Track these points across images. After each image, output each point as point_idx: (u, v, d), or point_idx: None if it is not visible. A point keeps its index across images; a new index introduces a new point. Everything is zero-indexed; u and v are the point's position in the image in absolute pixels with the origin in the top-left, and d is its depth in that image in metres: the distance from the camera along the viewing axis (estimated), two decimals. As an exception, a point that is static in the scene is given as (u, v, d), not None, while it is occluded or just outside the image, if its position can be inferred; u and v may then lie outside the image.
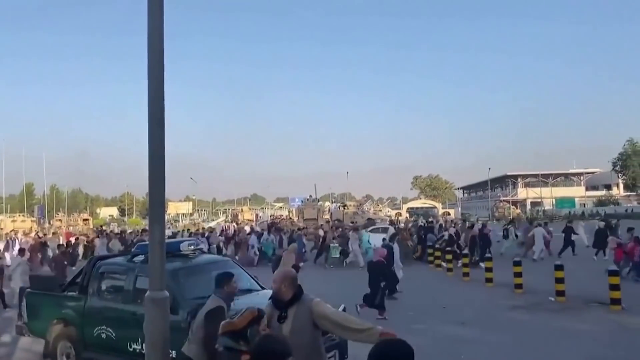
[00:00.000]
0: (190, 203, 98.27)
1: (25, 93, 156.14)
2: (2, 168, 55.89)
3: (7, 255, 22.91)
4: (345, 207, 47.87)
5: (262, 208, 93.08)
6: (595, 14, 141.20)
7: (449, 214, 62.93)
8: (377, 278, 11.30)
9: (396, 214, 67.54)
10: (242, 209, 76.69)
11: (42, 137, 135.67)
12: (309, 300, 4.10)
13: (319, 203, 51.40)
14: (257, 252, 22.96)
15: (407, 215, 66.02)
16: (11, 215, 50.90)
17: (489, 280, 14.71)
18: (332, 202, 56.31)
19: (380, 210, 71.22)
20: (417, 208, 76.33)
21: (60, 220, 58.10)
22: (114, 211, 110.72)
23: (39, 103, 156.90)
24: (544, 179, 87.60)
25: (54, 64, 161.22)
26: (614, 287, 11.04)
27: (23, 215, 53.61)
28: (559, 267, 12.47)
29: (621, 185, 76.47)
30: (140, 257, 7.35)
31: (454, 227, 23.65)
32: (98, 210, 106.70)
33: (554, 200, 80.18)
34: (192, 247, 7.95)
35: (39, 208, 61.39)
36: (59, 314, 7.77)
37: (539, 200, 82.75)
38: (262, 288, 7.69)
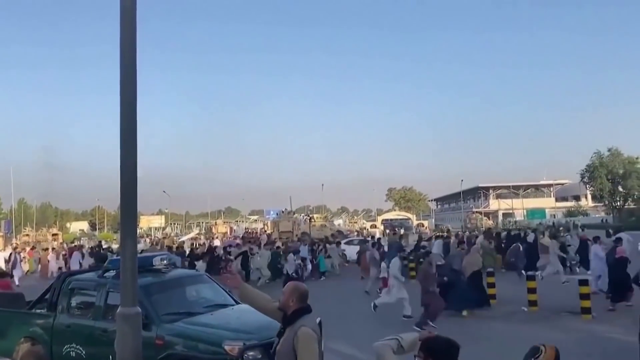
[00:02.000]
0: (163, 217, 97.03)
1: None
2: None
3: (17, 274, 22.47)
4: (312, 220, 48.07)
5: (237, 221, 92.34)
6: (568, 26, 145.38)
7: (423, 225, 63.60)
8: (623, 272, 12.10)
9: (371, 225, 67.84)
10: (216, 222, 76.02)
11: (10, 150, 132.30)
12: (300, 325, 3.67)
13: (295, 215, 51.24)
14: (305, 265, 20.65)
15: (382, 226, 66.36)
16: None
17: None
18: (301, 215, 56.22)
19: (356, 222, 71.54)
20: (391, 219, 76.85)
21: (27, 235, 56.62)
22: (84, 225, 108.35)
23: (6, 116, 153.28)
24: (515, 191, 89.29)
25: (21, 75, 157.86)
26: (585, 297, 11.26)
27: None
28: (530, 278, 12.68)
29: (589, 196, 78.35)
30: (112, 273, 7.21)
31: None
32: (68, 225, 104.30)
33: (525, 211, 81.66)
34: (165, 261, 7.84)
35: (5, 223, 59.80)
36: (26, 332, 7.55)
37: (511, 211, 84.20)
38: (237, 303, 7.61)
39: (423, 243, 21.82)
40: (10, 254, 27.25)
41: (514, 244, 20.08)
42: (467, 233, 33.02)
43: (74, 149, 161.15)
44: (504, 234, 27.43)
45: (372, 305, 12.67)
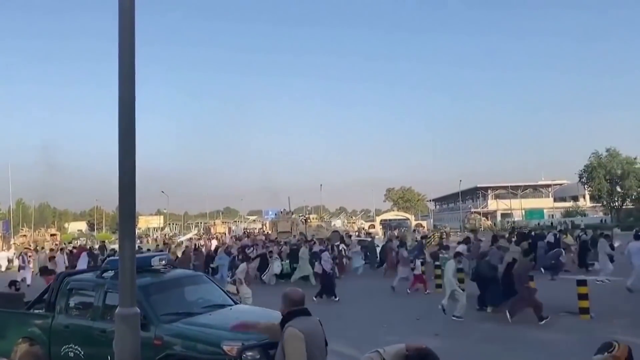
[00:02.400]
0: (162, 217, 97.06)
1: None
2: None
3: (26, 274, 22.78)
4: (308, 220, 48.22)
5: (235, 221, 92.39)
6: (566, 29, 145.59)
7: (422, 226, 63.65)
8: None
9: (370, 225, 67.90)
10: (214, 223, 76.15)
11: (8, 150, 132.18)
12: (287, 326, 3.82)
13: (293, 216, 51.21)
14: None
15: (381, 227, 66.42)
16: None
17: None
18: (298, 216, 56.37)
19: (354, 223, 71.61)
20: (390, 220, 76.94)
21: (24, 235, 56.60)
22: (82, 226, 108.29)
23: (4, 115, 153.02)
24: (513, 191, 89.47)
25: (19, 73, 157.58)
26: (583, 297, 11.27)
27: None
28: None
29: (587, 197, 78.49)
30: (110, 273, 7.21)
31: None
32: (66, 225, 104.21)
33: (523, 211, 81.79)
34: (163, 261, 7.83)
35: (3, 223, 59.76)
36: (25, 332, 7.53)
37: (509, 211, 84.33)
38: (235, 303, 7.61)
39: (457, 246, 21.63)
40: (21, 253, 27.36)
41: (557, 249, 19.67)
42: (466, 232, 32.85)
43: (72, 149, 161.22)
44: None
45: (455, 317, 11.83)
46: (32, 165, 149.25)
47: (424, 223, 72.23)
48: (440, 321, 11.51)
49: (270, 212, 70.83)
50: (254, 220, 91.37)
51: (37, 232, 62.86)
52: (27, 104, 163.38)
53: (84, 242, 51.95)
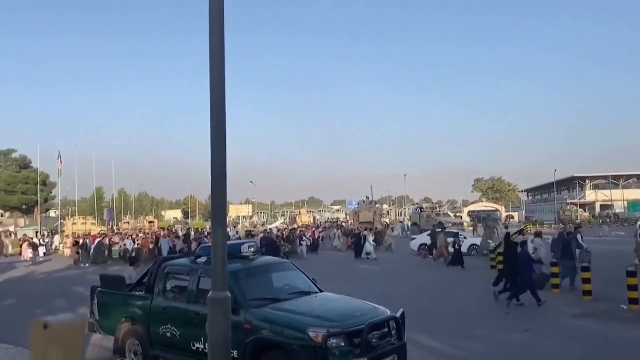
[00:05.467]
0: (250, 206, 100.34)
1: (94, 99, 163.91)
2: (75, 173, 58.44)
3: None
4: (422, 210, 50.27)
5: (320, 210, 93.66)
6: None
7: (512, 217, 61.13)
8: None
9: (455, 216, 66.27)
10: (299, 212, 77.46)
11: (111, 141, 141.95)
12: None
13: (377, 205, 50.18)
14: None
15: (468, 218, 64.56)
16: (83, 218, 53.01)
17: (555, 286, 14.15)
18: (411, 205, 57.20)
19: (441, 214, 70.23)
20: (478, 211, 74.64)
21: (127, 222, 60.62)
22: (178, 214, 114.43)
23: (108, 109, 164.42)
24: (614, 181, 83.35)
25: (121, 69, 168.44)
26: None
27: (91, 218, 55.60)
28: (631, 274, 11.80)
29: (701, 187, 71.74)
30: (203, 259, 7.57)
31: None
32: (163, 213, 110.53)
33: (625, 202, 76.11)
34: (252, 249, 8.11)
35: (108, 211, 64.43)
36: (127, 312, 8.09)
37: (609, 202, 78.83)
38: (320, 290, 7.73)
39: None
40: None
41: None
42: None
43: (168, 142, 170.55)
44: None
45: None
46: (132, 158, 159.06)
47: (515, 214, 69.37)
48: (532, 317, 11.04)
49: (353, 202, 70.91)
50: (338, 210, 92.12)
51: (136, 219, 67.18)
52: (127, 101, 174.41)
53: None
